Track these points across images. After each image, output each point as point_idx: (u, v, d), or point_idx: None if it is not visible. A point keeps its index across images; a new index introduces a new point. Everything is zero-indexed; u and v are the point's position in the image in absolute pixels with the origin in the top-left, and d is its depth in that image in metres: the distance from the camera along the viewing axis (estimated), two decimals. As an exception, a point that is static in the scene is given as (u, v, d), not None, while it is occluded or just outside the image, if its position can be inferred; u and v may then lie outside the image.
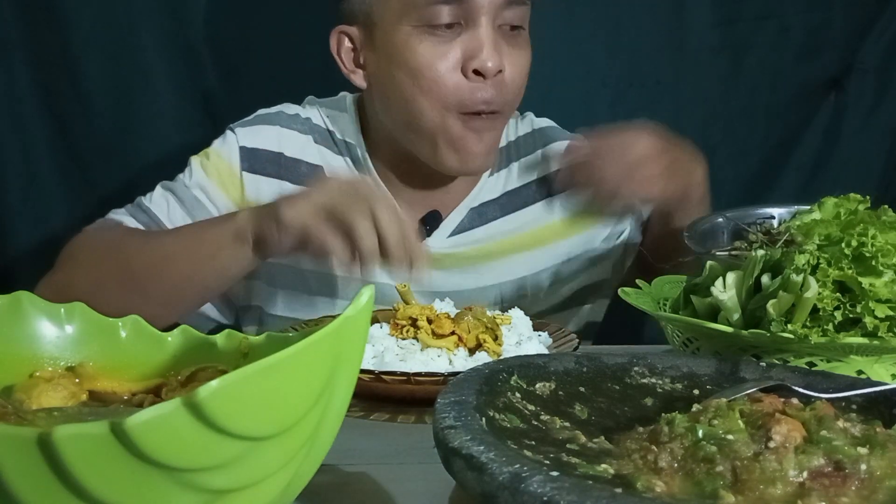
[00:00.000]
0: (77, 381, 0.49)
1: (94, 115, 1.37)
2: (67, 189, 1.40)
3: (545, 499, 0.32)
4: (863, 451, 0.39)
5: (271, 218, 0.84)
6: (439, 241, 1.06)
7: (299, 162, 1.06)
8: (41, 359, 0.50)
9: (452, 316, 0.76)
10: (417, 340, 0.73)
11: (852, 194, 0.68)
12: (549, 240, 1.10)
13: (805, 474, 0.38)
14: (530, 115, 1.17)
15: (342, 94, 1.13)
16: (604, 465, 0.40)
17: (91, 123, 1.37)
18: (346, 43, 1.01)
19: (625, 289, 0.82)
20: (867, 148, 1.57)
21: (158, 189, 1.05)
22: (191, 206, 1.03)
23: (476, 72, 0.94)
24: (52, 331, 0.51)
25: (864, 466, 0.38)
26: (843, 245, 0.63)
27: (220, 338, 0.51)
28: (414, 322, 0.74)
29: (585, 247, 1.12)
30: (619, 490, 0.32)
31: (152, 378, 0.51)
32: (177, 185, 1.04)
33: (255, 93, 1.36)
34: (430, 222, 1.06)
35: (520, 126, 1.14)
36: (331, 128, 1.09)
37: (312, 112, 1.10)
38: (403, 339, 0.73)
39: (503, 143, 1.11)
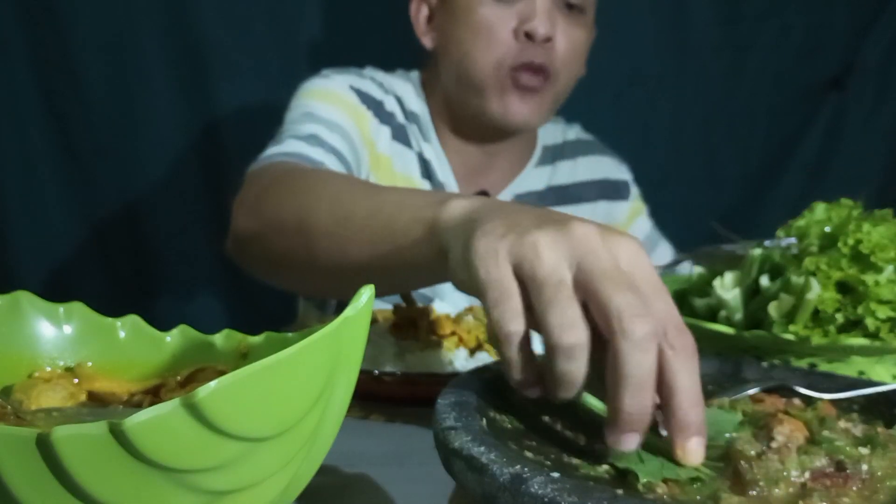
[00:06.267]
0: (76, 381, 0.49)
1: (94, 115, 1.37)
2: (67, 189, 1.40)
3: (546, 500, 0.32)
4: (864, 451, 0.39)
5: (462, 233, 0.50)
6: None
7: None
8: (40, 359, 0.50)
9: (452, 316, 0.76)
10: (417, 340, 0.73)
11: (843, 199, 0.66)
12: None
13: (807, 474, 0.38)
14: (578, 126, 1.27)
15: (400, 70, 1.19)
16: (605, 466, 0.40)
17: (91, 123, 1.38)
18: (424, 10, 1.12)
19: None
20: (868, 147, 1.57)
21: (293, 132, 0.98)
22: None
23: (527, 35, 1.02)
24: (50, 331, 0.50)
25: (865, 467, 0.38)
26: (839, 245, 0.62)
27: (218, 338, 0.51)
28: (414, 322, 0.74)
29: None
30: (620, 491, 0.32)
31: (151, 378, 0.50)
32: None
33: (254, 92, 1.37)
34: None
35: (568, 133, 1.25)
36: (398, 94, 1.14)
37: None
38: (403, 339, 0.73)
39: (554, 141, 1.22)
